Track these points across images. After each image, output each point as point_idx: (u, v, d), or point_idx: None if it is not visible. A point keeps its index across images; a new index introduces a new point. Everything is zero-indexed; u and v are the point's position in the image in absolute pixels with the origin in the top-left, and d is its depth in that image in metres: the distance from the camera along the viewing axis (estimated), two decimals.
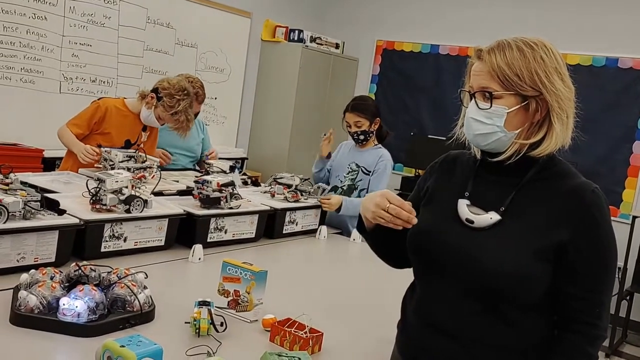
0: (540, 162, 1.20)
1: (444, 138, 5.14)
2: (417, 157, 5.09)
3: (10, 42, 3.54)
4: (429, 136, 5.15)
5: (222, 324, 1.43)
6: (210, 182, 2.25)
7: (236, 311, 1.56)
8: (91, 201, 1.93)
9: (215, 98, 5.00)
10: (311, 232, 2.66)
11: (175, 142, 3.15)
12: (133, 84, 4.11)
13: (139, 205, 1.97)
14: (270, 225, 2.44)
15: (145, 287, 1.53)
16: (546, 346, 1.20)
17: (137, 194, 1.99)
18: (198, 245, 2.03)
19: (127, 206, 1.94)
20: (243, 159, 5.04)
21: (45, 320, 1.31)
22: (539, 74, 1.15)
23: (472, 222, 1.20)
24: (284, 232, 2.52)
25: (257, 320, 1.55)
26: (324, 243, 2.59)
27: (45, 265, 1.57)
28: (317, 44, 5.41)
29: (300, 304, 1.73)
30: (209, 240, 2.18)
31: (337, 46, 5.64)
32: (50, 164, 3.41)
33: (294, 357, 1.31)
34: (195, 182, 2.28)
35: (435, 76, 5.31)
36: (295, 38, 5.27)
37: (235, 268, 1.57)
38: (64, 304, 1.32)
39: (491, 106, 1.17)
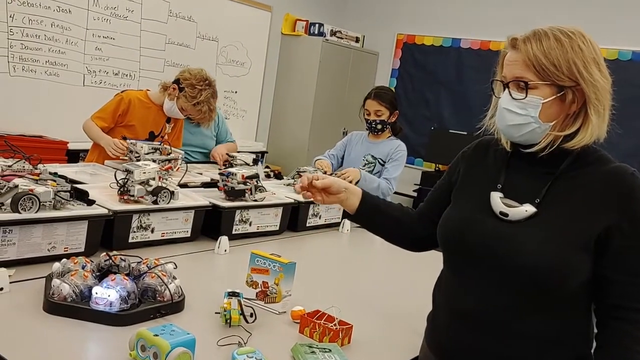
0: (575, 152, 1.18)
1: (465, 133, 5.13)
2: (437, 152, 5.05)
3: (36, 35, 3.58)
4: (450, 131, 5.12)
5: (252, 315, 1.43)
6: (235, 174, 2.25)
7: (265, 302, 1.56)
8: (119, 192, 1.94)
9: (236, 92, 5.02)
10: (334, 226, 2.65)
11: (190, 141, 3.16)
12: (155, 77, 4.13)
13: (165, 196, 1.98)
14: (294, 218, 2.44)
15: (174, 278, 1.54)
16: (583, 336, 1.18)
17: (164, 186, 2.00)
18: (224, 237, 2.03)
19: (155, 197, 1.94)
20: (263, 153, 5.05)
21: (78, 308, 1.32)
22: (577, 63, 1.13)
23: (506, 215, 1.19)
24: (307, 225, 2.51)
25: (285, 312, 1.55)
26: (348, 236, 2.59)
27: (75, 255, 1.58)
28: (337, 37, 5.40)
29: (327, 296, 1.73)
30: (234, 232, 2.18)
31: (357, 40, 5.61)
32: (74, 156, 3.45)
33: (324, 348, 1.30)
34: (220, 174, 2.29)
35: (456, 70, 5.27)
36: (316, 32, 5.26)
37: (263, 260, 1.57)
38: (96, 293, 1.33)
39: (526, 96, 1.15)
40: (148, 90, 2.96)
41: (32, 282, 1.50)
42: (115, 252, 1.56)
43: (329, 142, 4.94)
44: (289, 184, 2.70)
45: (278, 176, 2.88)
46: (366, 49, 5.67)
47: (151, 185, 1.98)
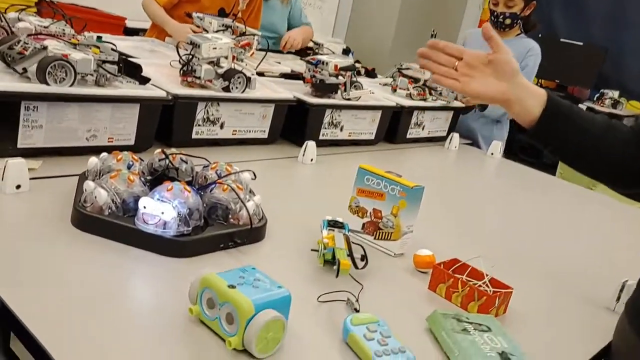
0: None
1: (581, 43, 4.35)
2: (545, 66, 4.31)
3: None
4: (562, 40, 4.35)
5: (362, 258, 0.99)
6: (327, 63, 1.75)
7: (375, 238, 1.11)
8: (182, 72, 1.49)
9: None
10: (438, 140, 2.15)
11: None
12: None
13: (240, 82, 1.52)
14: (393, 127, 1.95)
15: (252, 192, 1.11)
16: None
17: (240, 69, 1.53)
18: (311, 142, 1.57)
19: (227, 83, 1.48)
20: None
21: (118, 226, 0.91)
22: None
23: None
24: (407, 136, 2.02)
25: (402, 254, 1.10)
26: (455, 155, 2.08)
27: (122, 148, 1.16)
28: None
29: (457, 239, 1.28)
30: (321, 137, 1.72)
31: None
32: (132, 35, 3.01)
33: (479, 324, 0.85)
34: (308, 62, 1.79)
35: None
36: None
37: (377, 179, 1.11)
38: (145, 207, 0.91)
39: None
40: None
41: (63, 181, 1.10)
42: (174, 150, 1.13)
43: (416, 45, 4.31)
44: (385, 85, 2.18)
45: (371, 74, 2.36)
46: None
47: (222, 67, 1.52)
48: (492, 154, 2.13)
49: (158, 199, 0.92)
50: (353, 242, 1.01)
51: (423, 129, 2.06)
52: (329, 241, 0.97)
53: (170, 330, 0.73)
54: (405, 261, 1.08)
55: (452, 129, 2.17)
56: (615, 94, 4.09)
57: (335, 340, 0.79)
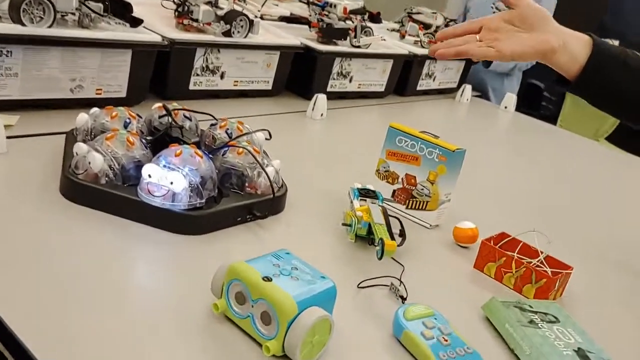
0: None
1: None
2: (564, 18, 4.15)
3: None
4: None
5: (401, 234, 0.86)
6: (335, 6, 1.58)
7: (407, 208, 0.99)
8: (176, 13, 1.30)
9: None
10: (448, 92, 2.01)
11: None
12: None
13: (242, 26, 1.34)
14: (403, 78, 1.79)
15: (266, 155, 0.96)
16: None
17: (241, 9, 1.35)
18: (321, 95, 1.42)
19: (228, 26, 1.31)
20: None
21: (118, 198, 0.76)
22: None
23: None
24: (417, 88, 1.87)
25: (438, 226, 0.98)
26: (467, 108, 1.95)
27: (111, 102, 1.00)
28: None
29: (491, 206, 1.16)
30: (329, 89, 1.57)
31: None
32: None
33: (546, 314, 0.74)
34: (313, 4, 1.61)
35: None
36: None
37: (412, 140, 0.97)
38: (150, 176, 0.76)
39: None
40: None
41: (46, 141, 0.94)
42: (176, 105, 0.97)
43: None
44: (393, 30, 2.01)
45: (375, 19, 2.17)
46: None
47: (222, 8, 1.34)
48: (505, 107, 1.99)
49: (165, 166, 0.77)
50: (390, 215, 0.88)
51: (434, 80, 1.91)
52: (362, 214, 0.84)
53: (186, 325, 0.60)
54: (442, 234, 0.96)
55: (463, 80, 2.02)
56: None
57: (382, 334, 0.67)
